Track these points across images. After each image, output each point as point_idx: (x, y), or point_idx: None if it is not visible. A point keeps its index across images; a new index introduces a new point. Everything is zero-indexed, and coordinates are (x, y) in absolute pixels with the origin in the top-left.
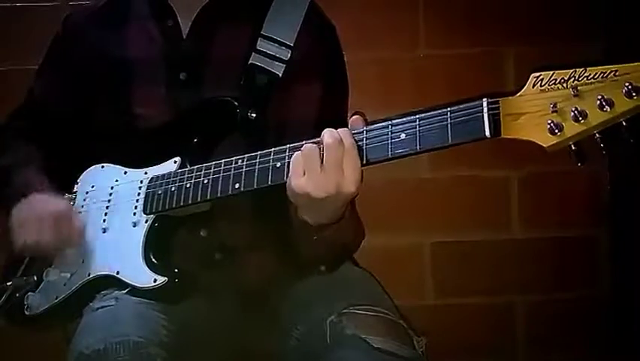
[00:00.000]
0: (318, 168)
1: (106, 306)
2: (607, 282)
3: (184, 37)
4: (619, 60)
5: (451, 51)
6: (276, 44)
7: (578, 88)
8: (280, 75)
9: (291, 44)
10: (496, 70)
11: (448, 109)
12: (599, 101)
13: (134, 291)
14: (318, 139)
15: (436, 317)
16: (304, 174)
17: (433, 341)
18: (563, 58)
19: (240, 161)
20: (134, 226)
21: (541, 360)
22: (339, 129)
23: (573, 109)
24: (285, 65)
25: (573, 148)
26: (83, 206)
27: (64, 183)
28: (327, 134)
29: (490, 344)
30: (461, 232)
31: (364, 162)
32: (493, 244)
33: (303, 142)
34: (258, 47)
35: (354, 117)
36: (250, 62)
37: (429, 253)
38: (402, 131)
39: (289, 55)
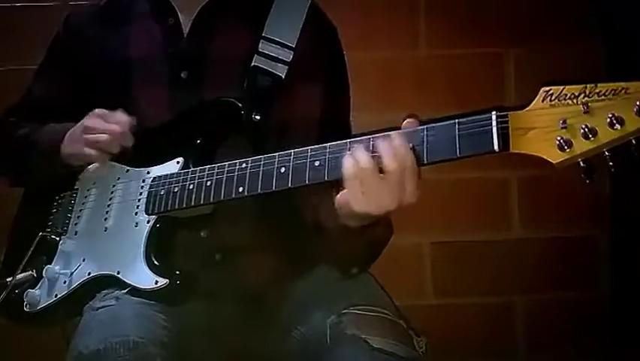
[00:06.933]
0: (376, 185)
1: (106, 306)
2: (607, 282)
3: (185, 35)
4: (619, 60)
5: (452, 52)
6: (278, 46)
7: (589, 104)
8: (283, 77)
9: (293, 45)
10: (497, 70)
11: (456, 121)
12: (609, 119)
13: (135, 291)
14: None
15: (436, 317)
16: (362, 194)
17: (433, 341)
18: (563, 59)
19: (244, 164)
20: (136, 226)
21: (541, 360)
22: (395, 143)
23: (583, 126)
24: (287, 67)
25: (582, 165)
26: (84, 203)
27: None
28: (389, 158)
29: (489, 344)
30: (461, 232)
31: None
32: (493, 244)
33: (308, 147)
34: (260, 49)
35: (408, 120)
36: (253, 63)
37: (429, 253)
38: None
39: (291, 56)
